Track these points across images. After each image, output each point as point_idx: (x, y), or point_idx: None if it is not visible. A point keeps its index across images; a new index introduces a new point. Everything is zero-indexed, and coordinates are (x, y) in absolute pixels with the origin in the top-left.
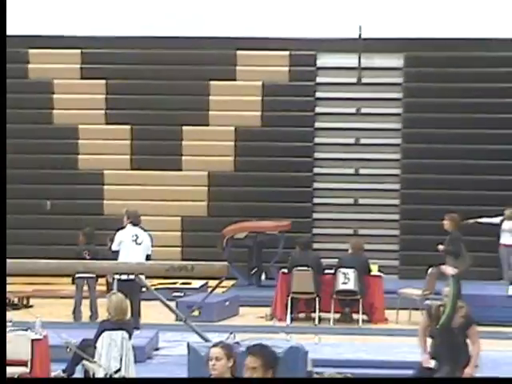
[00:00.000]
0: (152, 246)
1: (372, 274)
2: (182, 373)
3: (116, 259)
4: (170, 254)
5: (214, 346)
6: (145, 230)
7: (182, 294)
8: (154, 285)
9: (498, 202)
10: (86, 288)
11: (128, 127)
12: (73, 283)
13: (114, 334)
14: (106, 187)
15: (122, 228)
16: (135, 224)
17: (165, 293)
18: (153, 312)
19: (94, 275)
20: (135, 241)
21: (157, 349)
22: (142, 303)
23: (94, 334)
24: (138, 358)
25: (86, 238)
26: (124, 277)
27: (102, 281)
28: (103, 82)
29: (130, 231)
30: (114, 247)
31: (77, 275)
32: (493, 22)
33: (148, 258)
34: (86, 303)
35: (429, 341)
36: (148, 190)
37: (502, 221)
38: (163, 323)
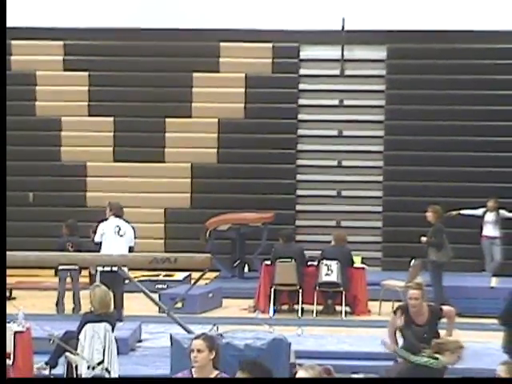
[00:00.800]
0: (135, 238)
1: (355, 265)
2: (165, 365)
3: (99, 251)
4: (153, 245)
5: (196, 337)
6: (128, 222)
7: (166, 286)
8: (137, 277)
9: (480, 194)
10: (69, 280)
11: (111, 119)
12: (56, 275)
13: (96, 326)
14: (88, 179)
15: (105, 220)
16: (118, 216)
17: (148, 285)
18: (136, 304)
19: (77, 267)
20: (117, 232)
21: (140, 341)
22: (125, 295)
23: (77, 326)
24: (121, 350)
25: (69, 229)
26: (107, 268)
27: (85, 273)
28: (86, 73)
29: (113, 223)
30: (97, 239)
31: (60, 267)
32: (474, 13)
33: (131, 249)
34: (69, 295)
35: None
36: (131, 182)
37: (485, 212)
38: (146, 315)
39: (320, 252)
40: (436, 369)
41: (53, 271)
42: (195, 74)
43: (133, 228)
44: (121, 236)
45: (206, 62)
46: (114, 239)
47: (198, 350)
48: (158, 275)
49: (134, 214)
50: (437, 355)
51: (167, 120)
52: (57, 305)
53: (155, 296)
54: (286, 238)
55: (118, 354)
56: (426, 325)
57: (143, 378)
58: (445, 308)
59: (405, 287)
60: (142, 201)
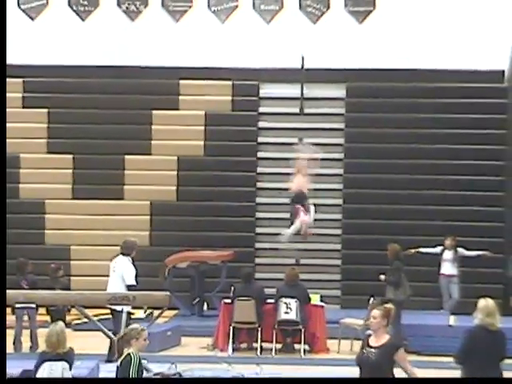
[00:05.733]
0: (137, 277)
1: (314, 303)
2: None
3: None
4: None
5: (156, 375)
6: (133, 261)
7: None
8: (96, 315)
9: (439, 232)
10: (26, 318)
11: (70, 156)
12: (13, 313)
13: (54, 365)
14: (47, 216)
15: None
16: (124, 254)
17: (109, 323)
18: (94, 342)
19: (34, 305)
20: (113, 268)
21: None
22: (84, 333)
23: (34, 364)
24: None
25: (20, 268)
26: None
27: (41, 311)
28: (45, 110)
29: (115, 260)
30: None
31: (16, 305)
32: (432, 52)
33: (129, 288)
34: (26, 333)
35: None
36: (90, 220)
37: (443, 251)
38: (104, 353)
39: (276, 290)
40: None
41: (9, 309)
42: (155, 112)
43: (135, 267)
44: (114, 272)
45: (166, 99)
46: (110, 275)
47: None
48: None
49: (94, 251)
50: (126, 350)
51: (126, 157)
52: (14, 343)
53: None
54: (245, 278)
55: None
56: (378, 348)
57: (143, 378)
58: (400, 351)
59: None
60: (100, 238)
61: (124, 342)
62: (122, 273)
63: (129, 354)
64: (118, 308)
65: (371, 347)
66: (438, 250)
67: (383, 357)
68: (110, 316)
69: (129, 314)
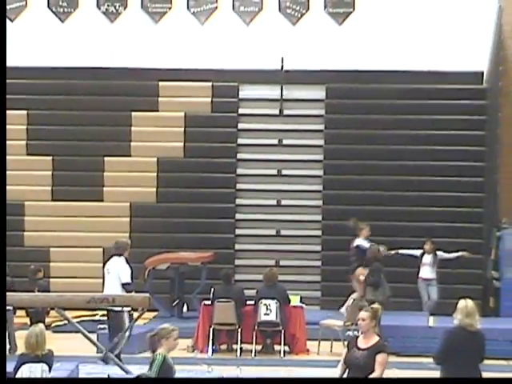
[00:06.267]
0: (133, 279)
1: (294, 304)
2: None
3: None
4: (92, 285)
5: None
6: (127, 261)
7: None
8: (76, 316)
9: (418, 233)
10: None
11: (49, 158)
12: None
13: (33, 367)
14: (26, 218)
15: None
16: (117, 254)
17: (89, 325)
18: (74, 344)
19: (12, 307)
20: (107, 269)
21: None
22: (63, 335)
23: (13, 367)
24: None
25: None
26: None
27: (20, 313)
28: (24, 112)
29: (109, 261)
30: None
31: None
32: (412, 54)
33: (125, 286)
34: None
35: None
36: (69, 221)
37: (422, 254)
38: (84, 355)
39: (256, 292)
40: None
41: None
42: (134, 113)
43: (130, 267)
44: (108, 273)
45: (145, 101)
46: (106, 277)
47: None
48: (94, 315)
49: (72, 253)
50: (157, 351)
51: (106, 159)
52: None
53: (93, 336)
54: (225, 279)
55: None
56: (368, 349)
57: (143, 378)
58: (382, 354)
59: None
60: (80, 240)
61: (155, 342)
62: (117, 272)
63: (156, 354)
64: (117, 308)
65: (360, 349)
66: (418, 253)
67: (370, 358)
68: (106, 317)
69: (129, 313)
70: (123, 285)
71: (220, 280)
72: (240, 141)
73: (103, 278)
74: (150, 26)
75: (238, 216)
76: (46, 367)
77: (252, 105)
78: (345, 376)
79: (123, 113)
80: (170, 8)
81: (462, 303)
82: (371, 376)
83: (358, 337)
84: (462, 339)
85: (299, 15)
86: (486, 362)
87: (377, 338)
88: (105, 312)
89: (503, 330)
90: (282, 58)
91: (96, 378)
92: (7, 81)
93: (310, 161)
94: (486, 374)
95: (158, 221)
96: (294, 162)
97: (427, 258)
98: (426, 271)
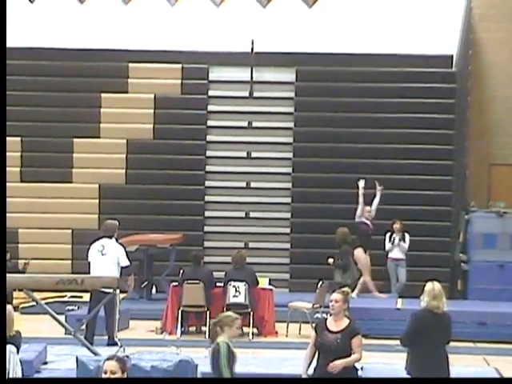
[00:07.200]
0: (129, 260)
1: (262, 287)
2: None
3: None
4: (60, 266)
5: (109, 359)
6: (117, 242)
7: (77, 308)
8: (48, 297)
9: (387, 216)
10: None
11: (18, 139)
12: None
13: None
14: None
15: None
16: (107, 236)
17: (58, 306)
18: (41, 325)
19: None
20: (101, 251)
21: (45, 363)
22: (32, 317)
23: None
24: (26, 372)
25: None
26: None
27: None
28: None
29: (99, 243)
30: (89, 259)
31: None
32: (382, 37)
33: (124, 269)
34: None
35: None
36: (38, 203)
37: (391, 234)
38: (52, 337)
39: (224, 274)
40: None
41: None
42: (104, 95)
43: (124, 248)
44: (103, 255)
45: (115, 82)
46: (98, 259)
47: (112, 372)
48: (63, 297)
49: (41, 234)
50: (217, 339)
51: (75, 140)
52: None
53: (61, 318)
54: (194, 261)
55: (22, 376)
56: (340, 332)
57: (144, 378)
58: (358, 336)
59: (312, 309)
60: (49, 221)
61: (217, 329)
62: (115, 255)
63: (218, 343)
64: (107, 290)
65: (332, 332)
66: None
67: (344, 341)
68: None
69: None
70: (123, 268)
71: (189, 262)
72: (210, 123)
73: (73, 259)
74: (120, 8)
75: (207, 198)
76: (13, 349)
77: (222, 87)
78: (315, 360)
79: (93, 94)
80: None
81: (429, 286)
82: (350, 359)
83: (326, 319)
84: (429, 321)
85: None
86: (454, 343)
87: (347, 321)
88: (74, 294)
89: (471, 312)
90: (253, 41)
91: (96, 378)
92: None
93: (279, 143)
94: (452, 356)
95: (127, 202)
96: (263, 144)
97: (396, 239)
98: (395, 251)
